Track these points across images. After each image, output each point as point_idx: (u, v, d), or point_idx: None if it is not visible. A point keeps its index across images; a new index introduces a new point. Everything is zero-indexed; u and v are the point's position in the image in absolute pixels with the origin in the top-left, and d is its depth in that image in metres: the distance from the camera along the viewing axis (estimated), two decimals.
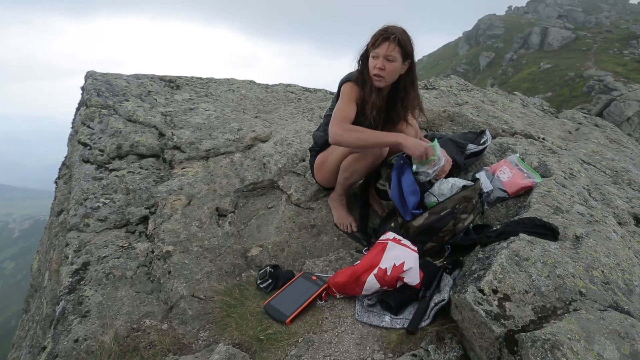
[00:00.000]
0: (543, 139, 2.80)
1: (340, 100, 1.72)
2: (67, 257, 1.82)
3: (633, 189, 2.39)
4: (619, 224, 1.75)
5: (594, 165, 2.52)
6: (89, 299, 1.59)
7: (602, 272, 1.21)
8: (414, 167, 1.65)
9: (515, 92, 4.44)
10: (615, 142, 3.39)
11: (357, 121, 1.70)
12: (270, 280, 1.65)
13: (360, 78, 1.71)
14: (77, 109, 2.87)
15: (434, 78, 3.92)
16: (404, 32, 1.67)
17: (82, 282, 1.67)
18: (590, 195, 1.88)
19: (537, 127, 3.23)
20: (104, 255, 1.82)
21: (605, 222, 1.55)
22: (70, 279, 1.69)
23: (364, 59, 1.72)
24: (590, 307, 1.07)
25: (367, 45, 1.69)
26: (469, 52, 53.26)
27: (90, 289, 1.64)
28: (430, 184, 1.73)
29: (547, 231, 1.38)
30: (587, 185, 2.01)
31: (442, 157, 1.62)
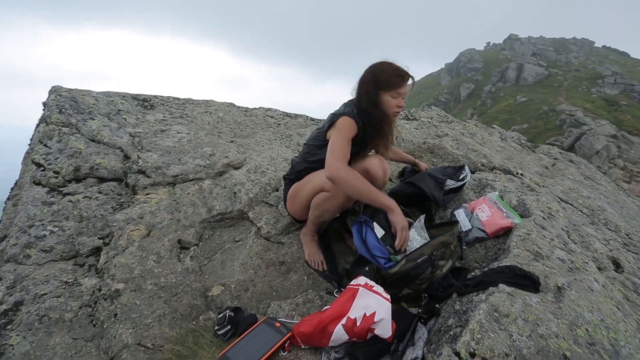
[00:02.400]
0: (521, 174, 2.79)
1: (339, 134, 1.65)
2: None
3: (609, 229, 2.37)
4: (599, 269, 1.69)
5: (571, 204, 2.50)
6: (13, 349, 1.37)
7: (587, 330, 1.12)
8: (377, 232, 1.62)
9: (494, 126, 4.52)
10: (590, 178, 3.44)
11: None
12: (229, 327, 1.48)
13: (365, 117, 1.71)
14: (37, 125, 2.67)
15: (415, 109, 3.94)
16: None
17: (9, 327, 1.45)
18: (569, 238, 1.83)
19: (515, 162, 3.24)
20: (42, 292, 1.61)
21: (586, 270, 1.48)
22: None
23: (372, 95, 1.71)
24: None
25: (379, 83, 1.69)
26: (450, 82, 55.69)
27: (17, 335, 1.42)
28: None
29: (528, 282, 1.29)
30: (566, 226, 1.97)
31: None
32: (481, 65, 53.28)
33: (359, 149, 1.78)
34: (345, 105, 1.78)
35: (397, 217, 1.55)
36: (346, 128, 1.66)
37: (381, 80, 1.70)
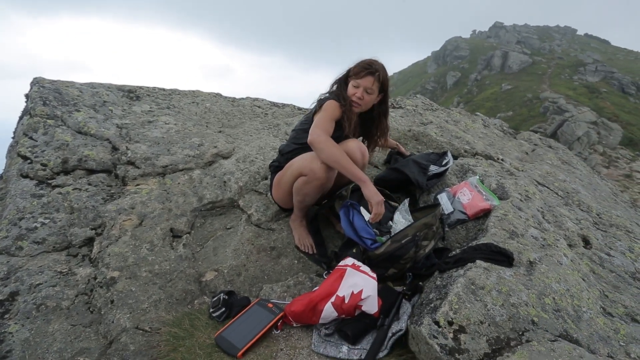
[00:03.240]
0: (502, 160, 2.91)
1: (324, 113, 1.76)
2: None
3: (582, 210, 2.51)
4: (570, 246, 1.81)
5: (547, 187, 2.63)
6: (12, 336, 1.40)
7: (554, 299, 1.23)
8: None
9: (477, 113, 4.63)
10: (567, 163, 3.59)
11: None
12: (223, 309, 1.55)
13: (342, 98, 1.81)
14: (20, 118, 2.63)
15: (400, 97, 4.01)
16: (384, 70, 1.85)
17: (6, 316, 1.48)
18: (544, 218, 1.94)
19: (496, 148, 3.36)
20: (37, 283, 1.64)
21: (557, 246, 1.59)
22: None
23: (342, 83, 1.87)
24: (541, 338, 1.07)
25: (348, 72, 1.85)
26: (437, 70, 55.90)
27: (15, 323, 1.46)
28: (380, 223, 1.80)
29: (502, 257, 1.39)
30: (541, 208, 2.08)
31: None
32: (467, 53, 53.63)
33: (338, 134, 1.83)
34: (330, 91, 1.90)
35: (371, 191, 1.64)
36: (330, 109, 1.77)
37: (351, 68, 1.86)
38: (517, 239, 1.60)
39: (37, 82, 2.70)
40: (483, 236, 1.62)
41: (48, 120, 2.42)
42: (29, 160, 2.18)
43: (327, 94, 1.88)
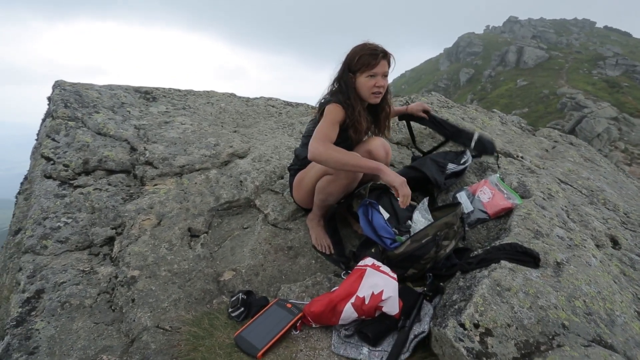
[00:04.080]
0: (522, 157, 2.83)
1: (323, 120, 1.66)
2: (19, 284, 1.66)
3: (608, 209, 2.42)
4: (597, 246, 1.74)
5: (570, 185, 2.55)
6: (39, 333, 1.43)
7: (584, 302, 1.18)
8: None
9: (494, 110, 4.53)
10: (590, 160, 3.47)
11: (337, 142, 1.65)
12: (242, 309, 1.55)
13: (345, 101, 1.67)
14: (43, 120, 2.70)
15: (415, 94, 3.95)
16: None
17: (33, 313, 1.52)
18: (568, 217, 1.88)
19: (515, 145, 3.28)
20: (61, 281, 1.67)
21: (585, 246, 1.53)
22: (20, 309, 1.54)
23: (345, 82, 1.69)
24: (574, 343, 1.03)
25: (349, 67, 1.67)
26: (449, 67, 55.09)
27: (42, 320, 1.49)
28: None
29: (528, 258, 1.35)
30: (565, 206, 2.02)
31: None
32: (480, 50, 52.64)
33: (345, 135, 1.74)
34: (329, 93, 1.77)
35: (390, 176, 1.54)
36: (331, 114, 1.66)
37: (354, 62, 1.66)
38: (542, 238, 1.55)
39: (58, 85, 2.76)
40: (506, 236, 1.57)
41: (69, 122, 2.48)
42: (51, 161, 2.23)
43: (328, 96, 1.75)
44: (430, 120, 2.41)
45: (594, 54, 45.32)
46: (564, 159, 3.24)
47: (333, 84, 1.74)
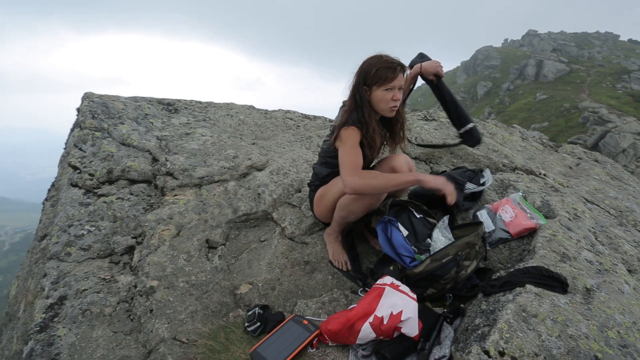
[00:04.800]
0: (544, 175, 2.75)
1: (344, 147, 1.64)
2: (44, 289, 1.71)
3: (639, 231, 2.31)
4: (629, 271, 1.66)
5: (597, 205, 2.46)
6: (60, 340, 1.46)
7: (618, 332, 1.12)
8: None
9: (514, 125, 4.45)
10: (617, 178, 3.35)
11: None
12: (258, 323, 1.54)
13: (360, 119, 1.66)
14: (71, 130, 2.81)
15: (434, 109, 3.93)
16: None
17: (55, 319, 1.55)
18: (597, 239, 1.80)
19: (537, 162, 3.19)
20: (83, 288, 1.71)
21: (616, 272, 1.47)
22: (44, 315, 1.57)
23: (361, 94, 1.67)
24: None
25: (369, 79, 1.64)
26: (466, 81, 54.69)
27: (63, 327, 1.52)
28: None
29: (555, 282, 1.30)
30: (593, 228, 1.94)
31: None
32: (499, 63, 52.11)
33: (363, 153, 1.70)
34: (343, 111, 1.74)
35: (432, 182, 1.55)
36: (349, 138, 1.63)
37: (371, 75, 1.62)
38: (569, 262, 1.49)
39: (87, 97, 2.88)
40: (531, 258, 1.52)
41: (96, 133, 2.57)
42: (78, 170, 2.31)
43: (342, 117, 1.71)
44: (437, 87, 2.25)
45: (618, 68, 44.15)
46: (589, 177, 3.14)
47: (348, 99, 1.71)
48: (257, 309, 1.58)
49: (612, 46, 55.95)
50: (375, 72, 1.62)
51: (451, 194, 1.52)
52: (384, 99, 1.64)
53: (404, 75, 1.65)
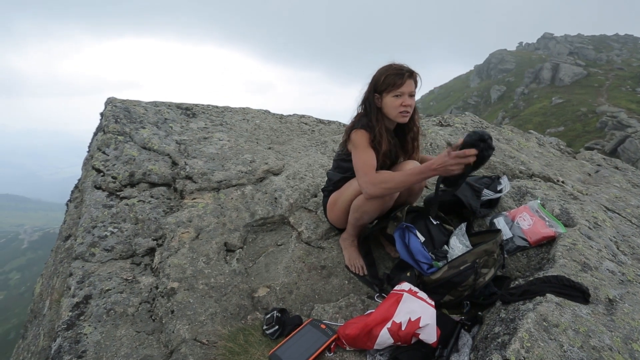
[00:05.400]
0: (563, 182, 2.72)
1: (356, 151, 1.70)
2: (70, 289, 1.77)
3: None
4: None
5: (618, 213, 2.41)
6: (86, 337, 1.52)
7: None
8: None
9: (531, 131, 4.39)
10: (639, 186, 3.27)
11: None
12: (277, 327, 1.56)
13: (368, 123, 1.72)
14: (95, 134, 2.91)
15: (449, 115, 3.91)
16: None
17: (81, 318, 1.61)
18: (618, 249, 1.77)
19: (555, 169, 3.15)
20: (107, 288, 1.77)
21: (639, 283, 1.44)
22: (70, 313, 1.63)
23: (370, 103, 1.73)
24: None
25: (379, 86, 1.70)
26: (480, 84, 54.05)
27: (89, 325, 1.58)
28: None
29: (577, 292, 1.28)
30: (614, 237, 1.91)
31: None
32: (513, 66, 51.35)
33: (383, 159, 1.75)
34: (355, 117, 1.80)
35: (435, 165, 1.46)
36: (360, 140, 1.69)
37: (380, 82, 1.68)
38: (590, 272, 1.47)
39: (110, 102, 2.97)
40: (551, 267, 1.51)
41: (118, 137, 2.65)
42: (101, 173, 2.39)
43: (354, 120, 1.79)
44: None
45: (638, 71, 42.96)
46: (609, 185, 3.08)
47: (361, 104, 1.78)
48: (275, 312, 1.61)
49: (632, 49, 54.50)
50: (384, 79, 1.68)
51: (465, 156, 1.39)
52: (394, 105, 1.69)
53: (415, 82, 1.71)
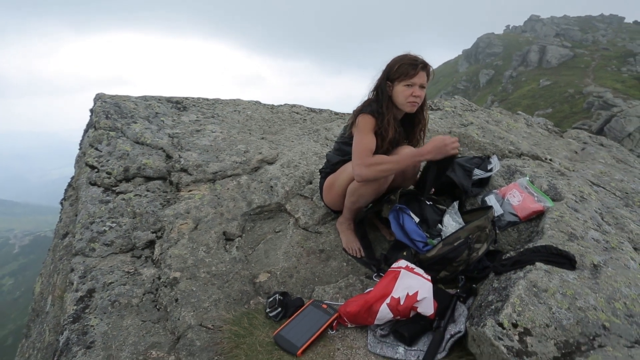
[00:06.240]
0: (550, 160, 2.79)
1: (358, 134, 1.73)
2: (72, 284, 1.79)
3: None
4: (635, 249, 1.71)
5: (603, 187, 2.50)
6: (94, 329, 1.55)
7: (625, 304, 1.18)
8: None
9: (519, 112, 4.46)
10: (623, 161, 3.37)
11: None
12: (279, 309, 1.61)
13: (378, 110, 1.74)
14: (85, 131, 2.89)
15: (439, 99, 3.96)
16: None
17: (87, 311, 1.64)
18: (603, 220, 1.85)
19: (543, 148, 3.23)
20: (109, 281, 1.79)
21: (622, 249, 1.52)
22: (75, 307, 1.66)
23: (383, 88, 1.76)
24: (616, 343, 1.03)
25: (388, 76, 1.74)
26: (468, 69, 54.15)
27: (95, 317, 1.61)
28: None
29: (564, 260, 1.35)
30: (599, 209, 1.99)
31: None
32: (501, 50, 51.51)
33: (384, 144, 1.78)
34: (365, 102, 1.83)
35: (429, 149, 1.62)
36: (364, 124, 1.72)
37: (393, 70, 1.72)
38: (576, 241, 1.54)
39: (99, 98, 2.95)
40: (539, 238, 1.58)
41: (110, 132, 2.64)
42: (96, 169, 2.39)
43: (363, 106, 1.80)
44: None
45: (623, 51, 43.46)
46: (594, 161, 3.17)
47: (371, 92, 1.82)
48: (277, 295, 1.65)
49: (617, 29, 54.99)
50: (398, 68, 1.72)
51: (453, 143, 1.60)
52: (404, 94, 1.73)
53: (427, 74, 1.74)
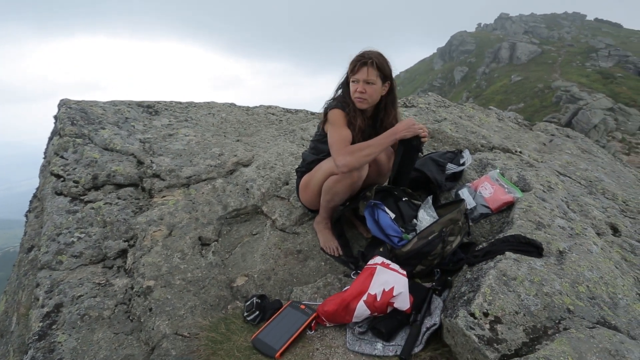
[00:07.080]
0: (520, 152, 2.89)
1: (332, 128, 1.75)
2: (38, 299, 1.70)
3: (607, 198, 2.47)
4: (598, 234, 1.79)
5: (569, 177, 2.60)
6: (61, 345, 1.48)
7: (587, 287, 1.23)
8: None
9: (491, 107, 4.60)
10: (587, 152, 3.53)
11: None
12: (257, 312, 1.59)
13: (343, 103, 1.78)
14: (50, 139, 2.76)
15: (413, 96, 4.02)
16: (380, 56, 1.76)
17: (54, 327, 1.56)
18: (569, 208, 1.93)
19: (513, 141, 3.33)
20: (78, 294, 1.72)
21: (586, 235, 1.58)
22: (41, 324, 1.58)
23: (345, 85, 1.82)
24: (579, 325, 1.07)
25: (347, 72, 1.79)
26: (443, 67, 55.46)
27: (63, 333, 1.53)
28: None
29: (532, 248, 1.40)
30: (565, 198, 2.07)
31: None
32: (473, 47, 53.06)
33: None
34: (333, 98, 1.87)
35: (401, 127, 1.69)
36: (336, 118, 1.75)
37: (349, 68, 1.78)
38: (544, 229, 1.60)
39: (64, 104, 2.82)
40: (509, 228, 1.62)
41: (77, 139, 2.53)
42: (61, 178, 2.28)
43: (331, 101, 1.84)
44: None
45: (586, 47, 45.68)
46: (561, 152, 3.30)
47: (338, 88, 1.86)
48: (254, 298, 1.63)
49: (580, 26, 57.70)
50: (349, 65, 1.77)
51: (422, 129, 1.70)
52: (352, 89, 1.78)
53: (374, 69, 1.72)
